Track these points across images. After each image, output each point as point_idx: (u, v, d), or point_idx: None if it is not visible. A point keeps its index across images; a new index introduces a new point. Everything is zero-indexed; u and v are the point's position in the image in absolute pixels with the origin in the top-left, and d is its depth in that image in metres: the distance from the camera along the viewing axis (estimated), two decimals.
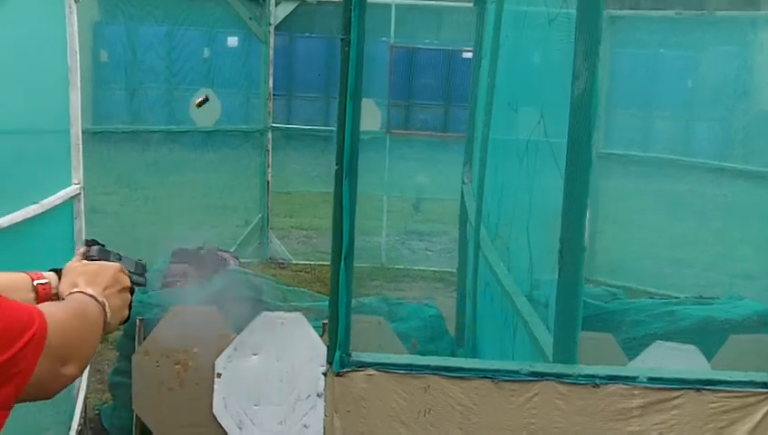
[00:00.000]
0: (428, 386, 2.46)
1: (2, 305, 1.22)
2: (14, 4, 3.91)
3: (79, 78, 4.39)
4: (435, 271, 8.12)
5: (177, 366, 4.03)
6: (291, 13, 9.26)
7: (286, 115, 14.14)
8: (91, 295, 1.51)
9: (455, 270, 6.24)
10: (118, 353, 4.74)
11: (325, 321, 4.26)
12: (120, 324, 1.63)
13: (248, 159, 8.91)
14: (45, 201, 3.95)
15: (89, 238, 1.76)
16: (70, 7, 4.31)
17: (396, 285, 7.75)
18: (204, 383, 4.02)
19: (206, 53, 9.64)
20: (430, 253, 8.66)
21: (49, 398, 1.37)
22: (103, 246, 1.71)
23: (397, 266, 8.36)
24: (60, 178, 4.29)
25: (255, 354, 4.04)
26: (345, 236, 2.57)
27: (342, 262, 2.54)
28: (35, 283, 1.63)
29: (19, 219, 3.63)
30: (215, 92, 9.32)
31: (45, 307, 1.35)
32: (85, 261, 1.64)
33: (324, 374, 2.55)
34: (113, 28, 9.49)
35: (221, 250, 5.25)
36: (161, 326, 4.06)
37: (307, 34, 14.89)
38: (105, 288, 1.56)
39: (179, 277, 4.66)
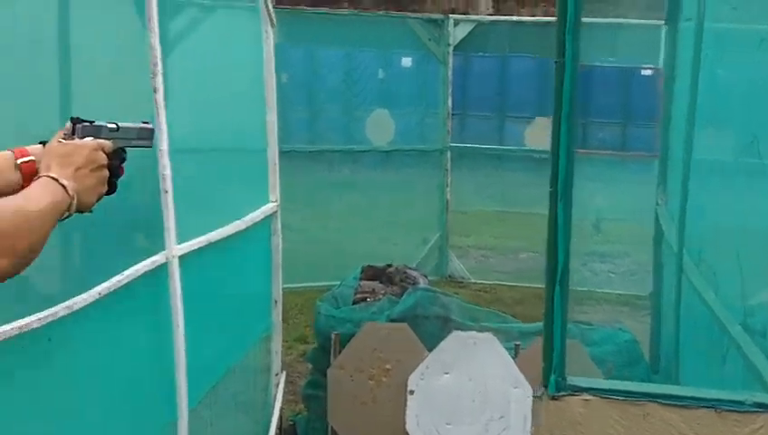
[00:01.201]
0: (647, 413, 2.39)
1: None
2: (217, 30, 4.10)
3: (275, 100, 4.56)
4: (619, 294, 7.89)
5: (370, 381, 4.09)
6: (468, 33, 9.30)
7: (458, 134, 14.20)
8: (54, 178, 1.49)
9: (641, 294, 6.05)
10: (311, 366, 4.87)
11: (517, 342, 4.23)
12: (98, 201, 1.62)
13: (426, 177, 8.98)
14: (248, 217, 4.11)
15: (74, 116, 1.68)
16: (266, 32, 4.48)
17: (580, 308, 7.58)
18: (396, 399, 4.05)
19: (381, 73, 9.81)
20: (613, 275, 8.44)
21: None
22: (91, 122, 1.66)
23: (579, 289, 8.17)
24: (259, 196, 4.45)
25: (447, 373, 4.04)
26: (560, 259, 2.53)
27: (557, 285, 2.51)
28: (19, 161, 1.61)
29: (226, 234, 3.79)
30: (389, 113, 9.47)
31: None
32: (62, 141, 1.61)
33: (538, 397, 2.52)
34: (294, 50, 9.83)
35: (409, 268, 5.30)
36: (355, 342, 4.14)
37: (480, 54, 14.89)
38: (77, 169, 1.54)
39: (369, 294, 4.73)
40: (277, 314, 4.67)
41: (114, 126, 1.68)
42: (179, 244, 3.27)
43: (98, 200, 1.61)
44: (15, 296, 2.76)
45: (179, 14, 3.49)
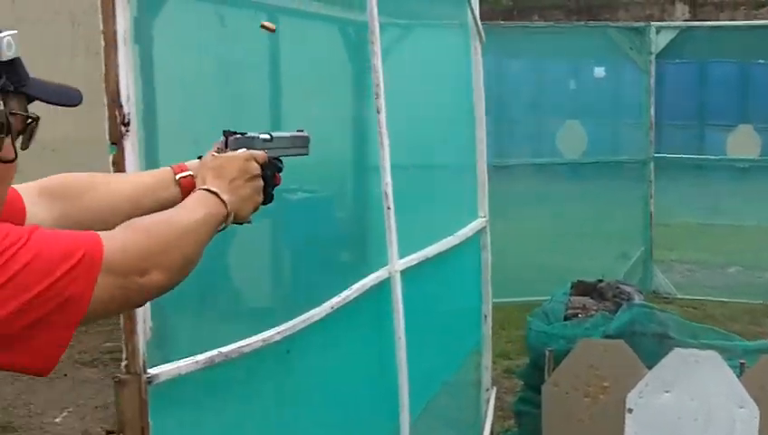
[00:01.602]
0: None
1: (37, 238, 1.19)
2: (428, 47, 4.17)
3: (484, 115, 4.57)
4: None
5: (586, 399, 4.02)
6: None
7: (656, 143, 13.73)
8: (213, 192, 1.49)
9: None
10: (522, 383, 4.84)
11: (742, 360, 4.04)
12: (254, 211, 1.61)
13: (624, 189, 8.74)
14: (460, 233, 4.14)
15: (226, 129, 1.68)
16: (475, 47, 4.51)
17: None
18: (614, 417, 3.95)
19: (573, 84, 9.64)
20: None
21: (138, 306, 1.42)
22: (243, 134, 1.66)
23: None
24: (469, 211, 4.48)
25: (668, 392, 3.90)
26: None
27: None
28: (177, 176, 1.65)
29: (441, 250, 3.84)
30: (581, 123, 9.29)
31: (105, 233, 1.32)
32: (215, 154, 1.63)
33: None
34: (483, 61, 9.84)
35: (622, 283, 5.18)
36: (570, 358, 4.08)
37: (677, 60, 14.38)
38: (231, 180, 1.53)
39: (581, 310, 4.66)
40: (487, 329, 4.68)
41: (267, 136, 1.69)
42: (400, 259, 3.34)
43: (254, 211, 1.61)
44: (255, 310, 2.90)
45: (393, 32, 3.57)
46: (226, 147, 1.64)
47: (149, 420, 2.13)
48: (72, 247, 1.20)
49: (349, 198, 3.42)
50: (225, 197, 1.50)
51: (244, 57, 3.22)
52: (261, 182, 1.60)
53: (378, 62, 3.15)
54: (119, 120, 2.06)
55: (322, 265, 3.15)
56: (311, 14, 4.34)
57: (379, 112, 3.18)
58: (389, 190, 3.23)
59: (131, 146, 2.09)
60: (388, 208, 3.23)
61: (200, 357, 2.32)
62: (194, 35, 2.68)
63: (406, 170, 3.67)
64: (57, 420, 5.06)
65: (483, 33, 4.43)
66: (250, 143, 1.64)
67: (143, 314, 2.13)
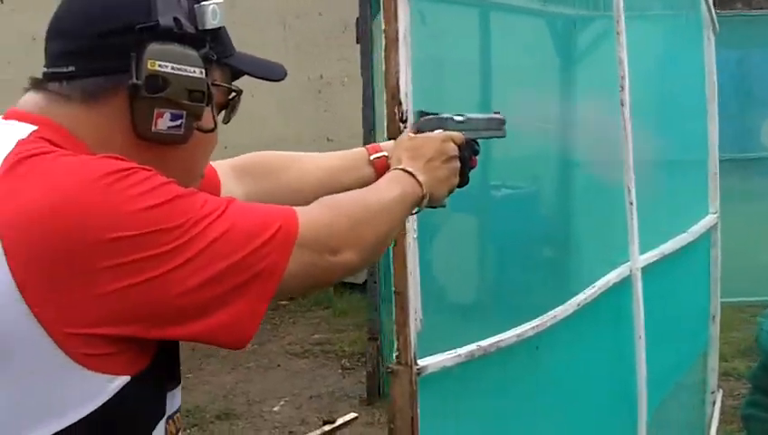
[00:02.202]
0: None
1: (234, 209, 1.16)
2: (663, 39, 4.05)
3: (716, 108, 4.39)
4: None
5: None
6: None
7: None
8: (409, 172, 1.45)
9: None
10: (751, 386, 4.61)
11: None
12: (450, 193, 1.56)
13: None
14: (693, 229, 4.01)
15: (422, 109, 1.65)
16: (708, 38, 4.34)
17: None
18: None
19: None
20: None
21: (327, 286, 1.35)
22: (436, 114, 1.61)
23: None
24: (700, 207, 4.32)
25: None
26: None
27: None
28: (372, 157, 1.62)
29: (676, 247, 3.72)
30: None
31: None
32: (411, 134, 1.58)
33: None
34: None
35: None
36: None
37: None
38: (428, 161, 1.48)
39: None
40: (715, 330, 4.50)
41: (461, 117, 1.64)
42: (640, 256, 3.27)
43: (449, 193, 1.57)
44: (506, 306, 2.91)
45: (635, 25, 3.49)
46: (419, 128, 1.61)
47: (418, 410, 2.17)
48: (269, 220, 1.19)
49: (589, 194, 3.37)
50: (421, 177, 1.46)
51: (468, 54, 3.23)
52: (458, 163, 1.56)
53: (623, 54, 3.08)
54: (397, 117, 2.10)
55: (566, 260, 3.13)
56: (517, 7, 4.31)
57: (623, 106, 3.12)
58: (632, 186, 3.16)
59: None
60: (631, 204, 3.17)
61: (462, 350, 2.35)
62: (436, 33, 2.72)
63: (642, 165, 3.59)
64: (275, 408, 5.26)
65: (716, 23, 4.25)
66: (443, 124, 1.60)
67: (414, 305, 2.19)
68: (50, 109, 1.19)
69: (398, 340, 2.18)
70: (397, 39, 2.11)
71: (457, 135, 1.58)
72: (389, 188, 1.42)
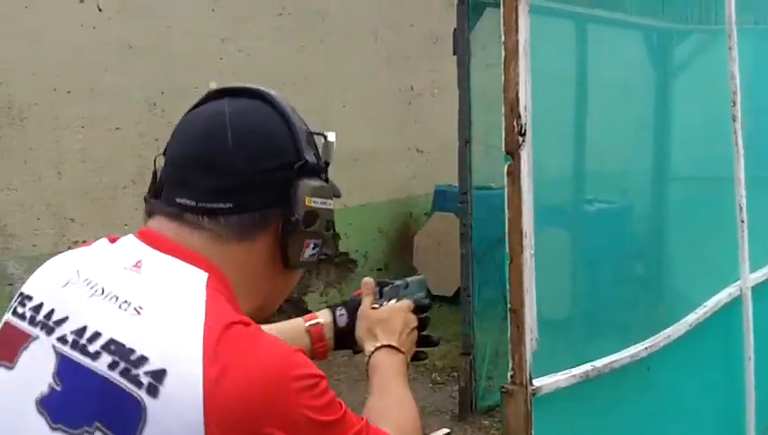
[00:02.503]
0: None
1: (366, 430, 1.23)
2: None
3: None
4: None
5: None
6: None
7: None
8: (395, 348, 1.53)
9: None
10: None
11: None
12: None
13: None
14: None
15: (380, 279, 1.68)
16: None
17: None
18: None
19: None
20: None
21: None
22: (392, 283, 1.67)
23: None
24: None
25: None
26: None
27: None
28: (307, 324, 1.62)
29: None
30: None
31: (375, 400, 1.44)
32: (376, 305, 1.61)
33: None
34: None
35: None
36: None
37: None
38: (400, 334, 1.56)
39: None
40: None
41: (406, 283, 1.70)
42: (750, 274, 3.19)
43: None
44: (618, 326, 2.87)
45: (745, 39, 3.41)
46: (381, 297, 1.64)
47: (533, 431, 2.15)
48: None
49: (695, 210, 3.30)
50: (404, 350, 1.56)
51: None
52: (417, 334, 1.62)
53: (735, 68, 3.01)
54: (516, 130, 2.09)
55: (673, 279, 3.08)
56: (617, 20, 4.26)
57: (734, 121, 3.05)
58: (744, 203, 3.09)
59: (527, 156, 2.12)
60: (742, 222, 3.09)
61: (576, 371, 2.32)
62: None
63: (752, 181, 3.50)
64: None
65: None
66: (396, 293, 1.66)
67: (530, 324, 2.17)
68: (208, 249, 1.22)
69: (512, 359, 2.16)
70: (516, 50, 2.10)
71: (411, 304, 1.64)
72: (404, 384, 1.52)
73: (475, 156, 5.20)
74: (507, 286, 2.15)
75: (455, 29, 5.01)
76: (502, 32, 2.14)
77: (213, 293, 1.17)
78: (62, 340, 1.16)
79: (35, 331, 1.19)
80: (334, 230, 1.36)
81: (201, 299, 1.16)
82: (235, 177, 1.22)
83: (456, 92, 5.09)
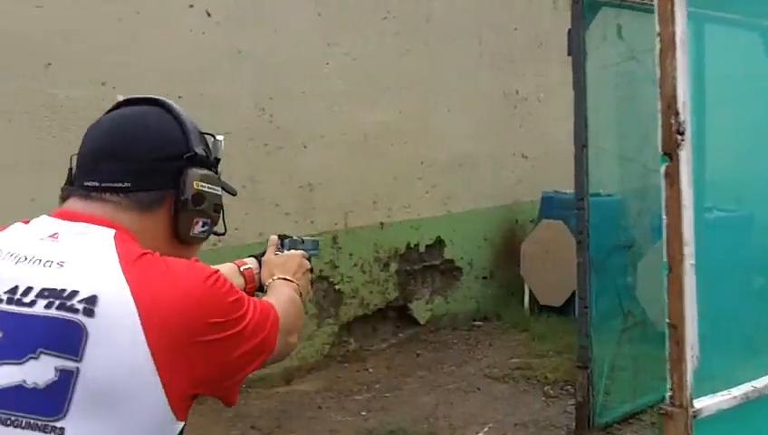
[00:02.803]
0: None
1: (255, 304, 1.53)
2: None
3: None
4: None
5: None
6: None
7: None
8: (289, 280, 1.94)
9: None
10: None
11: None
12: (307, 295, 2.05)
13: None
14: None
15: (280, 233, 2.18)
16: None
17: None
18: None
19: None
20: None
21: (280, 361, 1.67)
22: (291, 237, 2.18)
23: None
24: None
25: None
26: None
27: None
28: (242, 268, 2.06)
29: None
30: None
31: (269, 298, 1.77)
32: (278, 253, 2.09)
33: None
34: None
35: None
36: None
37: None
38: (294, 273, 1.98)
39: None
40: None
41: (301, 239, 2.20)
42: None
43: (307, 294, 2.06)
44: None
45: None
46: (282, 247, 2.13)
47: None
48: (270, 309, 1.59)
49: None
50: (295, 282, 1.96)
51: None
52: (311, 275, 2.09)
53: None
54: (674, 128, 1.91)
55: None
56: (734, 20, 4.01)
57: None
58: None
59: (686, 156, 1.94)
60: None
61: (736, 392, 2.13)
62: None
63: None
64: None
65: None
66: (295, 245, 2.16)
67: (691, 340, 1.98)
68: (116, 215, 1.50)
69: (671, 378, 1.98)
70: (673, 42, 1.93)
71: (303, 253, 2.12)
72: (286, 290, 1.89)
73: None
74: (666, 299, 1.97)
75: (569, 29, 4.81)
76: (656, 23, 1.97)
77: (121, 240, 1.45)
78: None
79: None
80: (223, 213, 1.65)
81: (111, 245, 1.44)
82: (133, 163, 1.51)
83: (563, 96, 4.90)
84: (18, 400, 1.32)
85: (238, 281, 2.01)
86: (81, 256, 1.42)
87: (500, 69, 7.59)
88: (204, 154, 1.59)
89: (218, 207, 1.63)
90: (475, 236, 7.38)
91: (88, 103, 4.57)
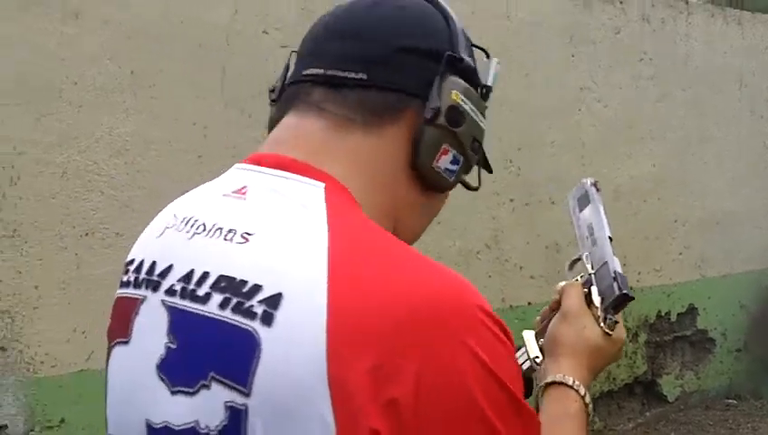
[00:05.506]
0: None
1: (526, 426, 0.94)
2: None
3: None
4: None
5: None
6: None
7: None
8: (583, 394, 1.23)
9: None
10: None
11: None
12: None
13: None
14: None
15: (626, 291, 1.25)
16: None
17: None
18: None
19: None
20: None
21: None
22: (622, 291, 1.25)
23: None
24: None
25: None
26: None
27: None
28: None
29: None
30: None
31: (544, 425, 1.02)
32: (606, 330, 1.28)
33: None
34: None
35: None
36: None
37: None
38: (599, 371, 1.30)
39: None
40: None
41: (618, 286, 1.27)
42: None
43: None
44: None
45: None
46: (615, 308, 1.27)
47: None
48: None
49: None
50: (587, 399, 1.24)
51: None
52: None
53: None
54: None
55: None
56: None
57: None
58: None
59: None
60: None
61: None
62: None
63: None
64: None
65: None
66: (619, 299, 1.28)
67: None
68: (329, 145, 1.02)
69: None
70: None
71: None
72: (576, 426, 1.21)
73: None
74: None
75: None
76: None
77: (334, 201, 0.97)
78: (170, 292, 0.98)
79: (141, 292, 1.02)
80: (483, 158, 1.17)
81: (321, 210, 0.95)
82: (374, 46, 1.04)
83: None
84: None
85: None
86: (274, 224, 0.96)
87: (762, 117, 6.78)
88: (471, 66, 1.10)
89: (477, 146, 1.11)
90: (731, 303, 6.58)
91: None
